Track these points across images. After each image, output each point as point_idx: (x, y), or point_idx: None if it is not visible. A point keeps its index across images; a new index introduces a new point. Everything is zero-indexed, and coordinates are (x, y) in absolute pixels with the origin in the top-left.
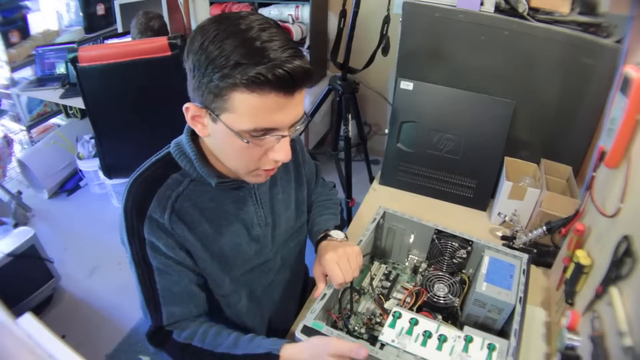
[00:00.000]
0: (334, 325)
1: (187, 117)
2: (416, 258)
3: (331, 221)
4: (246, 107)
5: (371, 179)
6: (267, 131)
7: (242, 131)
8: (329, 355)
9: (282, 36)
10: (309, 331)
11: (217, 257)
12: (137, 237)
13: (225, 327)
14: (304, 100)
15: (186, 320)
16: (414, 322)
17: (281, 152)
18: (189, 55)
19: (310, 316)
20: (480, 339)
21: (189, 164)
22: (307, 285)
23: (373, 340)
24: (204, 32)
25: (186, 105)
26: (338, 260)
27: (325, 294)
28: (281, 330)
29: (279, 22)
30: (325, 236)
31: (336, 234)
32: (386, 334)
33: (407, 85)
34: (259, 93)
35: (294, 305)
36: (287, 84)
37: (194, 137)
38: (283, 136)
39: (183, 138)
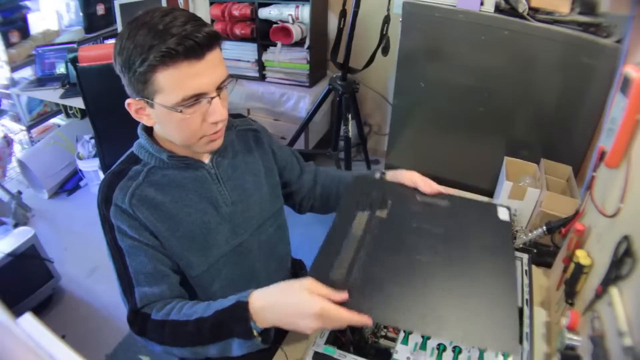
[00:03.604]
0: (336, 342)
1: (132, 112)
2: None
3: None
4: (169, 81)
5: None
6: (196, 97)
7: (174, 105)
8: (303, 288)
9: (184, 15)
10: (320, 357)
11: (186, 237)
12: (108, 224)
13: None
14: (223, 61)
15: (160, 301)
16: (426, 336)
17: (216, 113)
18: (116, 59)
19: (320, 341)
20: None
21: (146, 152)
22: (298, 276)
23: (382, 354)
24: (121, 35)
25: (127, 101)
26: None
27: None
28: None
29: (182, 7)
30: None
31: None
32: (400, 352)
33: None
34: (173, 65)
35: None
36: (194, 50)
37: (147, 132)
38: (212, 98)
39: (140, 134)
